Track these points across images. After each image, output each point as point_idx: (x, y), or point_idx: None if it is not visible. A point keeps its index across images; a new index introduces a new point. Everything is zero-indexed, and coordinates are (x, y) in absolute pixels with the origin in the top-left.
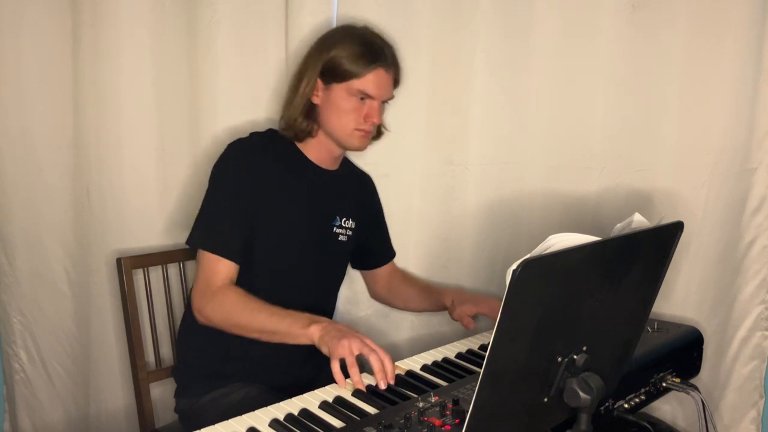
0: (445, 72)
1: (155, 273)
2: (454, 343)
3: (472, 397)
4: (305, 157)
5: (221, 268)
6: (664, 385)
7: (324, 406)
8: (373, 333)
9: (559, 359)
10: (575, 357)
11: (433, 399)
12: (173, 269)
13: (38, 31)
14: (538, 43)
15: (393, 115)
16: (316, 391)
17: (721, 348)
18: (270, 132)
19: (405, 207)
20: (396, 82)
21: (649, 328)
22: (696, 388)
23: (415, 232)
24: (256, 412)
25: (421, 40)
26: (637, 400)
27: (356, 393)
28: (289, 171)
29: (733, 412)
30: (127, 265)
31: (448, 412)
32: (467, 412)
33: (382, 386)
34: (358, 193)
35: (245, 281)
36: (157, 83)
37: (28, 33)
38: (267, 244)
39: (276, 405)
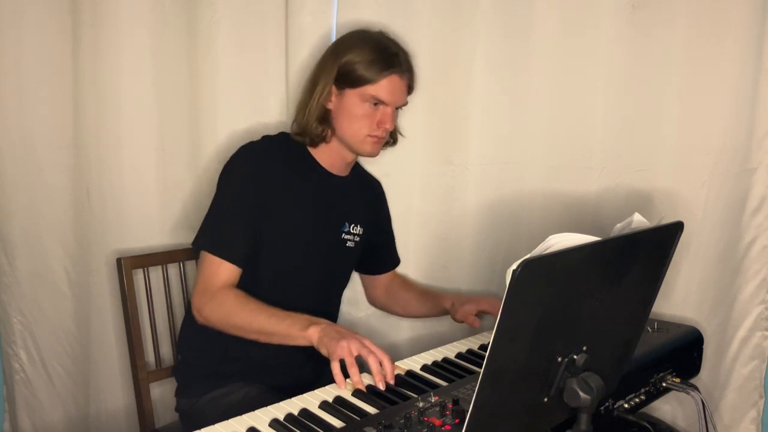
0: (445, 72)
1: (155, 273)
2: (454, 343)
3: (472, 397)
4: (316, 162)
5: (223, 271)
6: (664, 385)
7: (324, 406)
8: (373, 333)
9: (559, 359)
10: (575, 357)
11: (433, 399)
12: (173, 269)
13: (38, 31)
14: (538, 43)
15: None
16: (316, 391)
17: (721, 348)
18: (282, 136)
19: (405, 207)
20: (410, 89)
21: (649, 328)
22: (696, 388)
23: (415, 232)
24: (256, 412)
25: (421, 40)
26: (637, 400)
27: (356, 393)
28: (297, 174)
29: (733, 412)
30: (127, 265)
31: (448, 412)
32: (467, 412)
33: (381, 387)
34: (367, 199)
35: (251, 281)
36: (157, 83)
37: (29, 33)
38: (271, 244)
39: (276, 405)
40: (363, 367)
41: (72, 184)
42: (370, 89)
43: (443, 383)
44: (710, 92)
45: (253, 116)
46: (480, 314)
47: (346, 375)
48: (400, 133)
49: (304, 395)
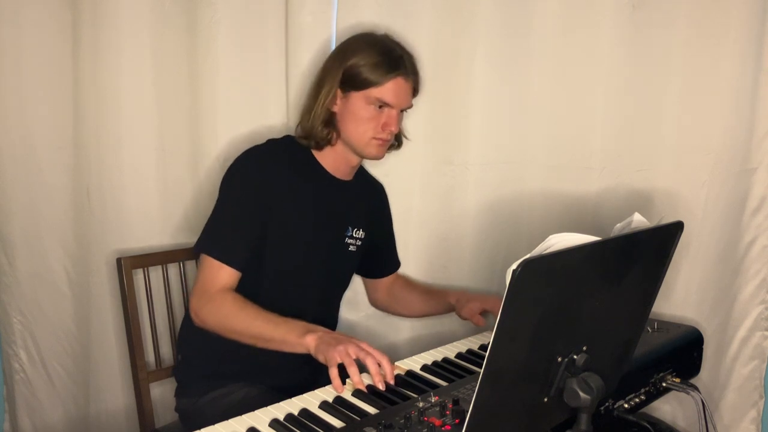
0: (445, 72)
1: (155, 273)
2: (454, 343)
3: (472, 397)
4: (320, 166)
5: (222, 274)
6: (664, 385)
7: (324, 406)
8: (372, 334)
9: (559, 359)
10: (575, 357)
11: (433, 399)
12: (173, 269)
13: (38, 30)
14: (538, 43)
15: None
16: (316, 391)
17: (721, 348)
18: (287, 139)
19: (405, 207)
20: (415, 91)
21: (649, 328)
22: (696, 388)
23: (415, 232)
24: (256, 412)
25: (421, 40)
26: (637, 400)
27: (356, 393)
28: (301, 177)
29: (733, 412)
30: (127, 265)
31: (448, 412)
32: (467, 412)
33: (381, 387)
34: (370, 203)
35: (252, 281)
36: (157, 83)
37: (29, 33)
38: (273, 245)
39: (276, 405)
40: (363, 368)
41: (72, 184)
42: (375, 92)
43: (443, 383)
44: (710, 92)
45: (252, 116)
46: (484, 313)
47: (344, 381)
48: (405, 136)
49: (304, 395)
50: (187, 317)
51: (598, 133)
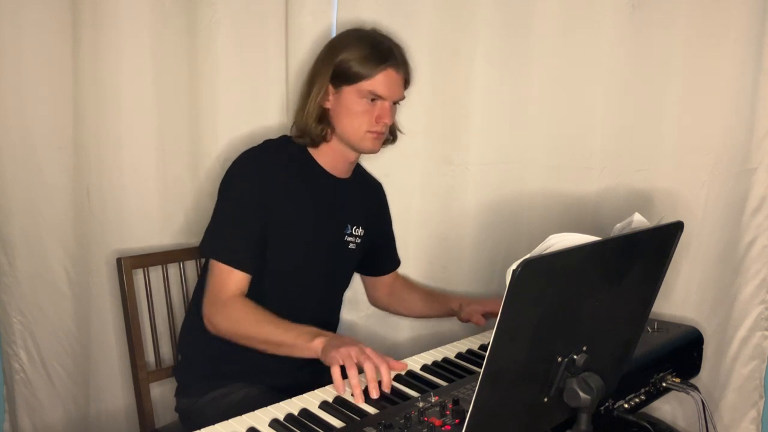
0: (445, 72)
1: (155, 273)
2: (454, 343)
3: (472, 397)
4: (317, 164)
5: (233, 279)
6: (664, 385)
7: (324, 406)
8: (373, 334)
9: (559, 359)
10: (575, 357)
11: (433, 399)
12: (173, 269)
13: (38, 31)
14: (538, 43)
15: None
16: (316, 391)
17: (721, 348)
18: (283, 139)
19: (405, 207)
20: (406, 83)
21: (649, 328)
22: (696, 388)
23: (415, 232)
24: (256, 412)
25: (421, 39)
26: (637, 400)
27: None
28: (298, 176)
29: (733, 412)
30: (127, 265)
31: (448, 412)
32: (467, 412)
33: (374, 395)
34: (368, 200)
35: (254, 282)
36: (157, 83)
37: (29, 33)
38: (273, 245)
39: (276, 405)
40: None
41: (72, 184)
42: (367, 84)
43: (443, 383)
44: (710, 92)
45: (252, 116)
46: (486, 316)
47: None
48: (399, 130)
49: (304, 395)
50: (188, 317)
51: (598, 133)
